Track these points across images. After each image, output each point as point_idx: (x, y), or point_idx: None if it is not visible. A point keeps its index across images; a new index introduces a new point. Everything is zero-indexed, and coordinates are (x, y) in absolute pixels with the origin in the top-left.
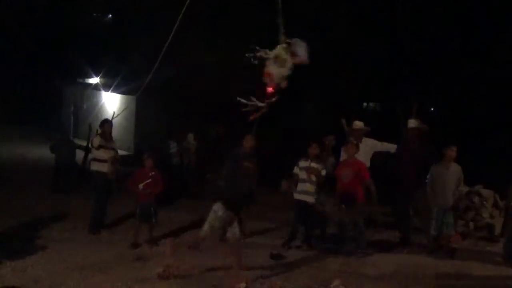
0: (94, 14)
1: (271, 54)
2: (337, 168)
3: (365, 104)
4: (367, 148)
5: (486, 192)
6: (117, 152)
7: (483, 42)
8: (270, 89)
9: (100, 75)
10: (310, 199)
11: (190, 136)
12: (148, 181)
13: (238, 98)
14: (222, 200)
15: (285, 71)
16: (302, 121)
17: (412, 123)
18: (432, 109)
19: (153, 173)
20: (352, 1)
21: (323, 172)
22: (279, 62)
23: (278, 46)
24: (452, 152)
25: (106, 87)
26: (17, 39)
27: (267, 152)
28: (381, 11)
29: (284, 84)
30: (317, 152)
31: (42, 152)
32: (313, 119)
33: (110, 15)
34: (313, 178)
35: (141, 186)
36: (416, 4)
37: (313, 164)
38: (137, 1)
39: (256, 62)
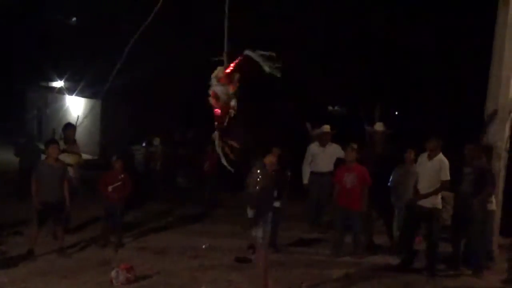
0: (59, 17)
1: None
2: (337, 172)
3: (330, 107)
4: (331, 153)
5: (447, 194)
6: (80, 156)
7: (449, 43)
8: (217, 111)
9: (64, 78)
10: (275, 203)
11: (157, 140)
12: (117, 184)
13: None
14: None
15: (228, 89)
16: (269, 125)
17: (379, 126)
18: (396, 113)
19: (122, 175)
20: (320, 8)
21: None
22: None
23: (218, 67)
24: (410, 154)
25: (71, 91)
26: None
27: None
28: (347, 16)
29: (233, 104)
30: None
31: (4, 155)
32: (280, 124)
33: (75, 18)
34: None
35: (110, 188)
36: (382, 6)
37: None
38: (102, 3)
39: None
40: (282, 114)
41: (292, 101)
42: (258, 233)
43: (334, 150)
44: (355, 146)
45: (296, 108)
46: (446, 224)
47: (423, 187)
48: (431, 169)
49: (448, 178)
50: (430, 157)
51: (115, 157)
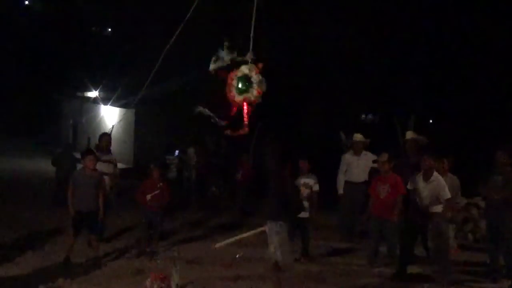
0: (93, 28)
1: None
2: (372, 184)
3: (363, 116)
4: (366, 162)
5: (484, 204)
6: (115, 165)
7: (481, 53)
8: (234, 109)
9: (99, 88)
10: (303, 214)
11: (191, 150)
12: (156, 192)
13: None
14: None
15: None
16: (301, 134)
17: (409, 134)
18: (431, 121)
19: (160, 184)
20: (352, 15)
21: (315, 187)
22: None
23: (243, 66)
24: (443, 164)
25: (105, 100)
26: (16, 53)
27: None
28: (380, 25)
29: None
30: (308, 167)
31: (40, 165)
32: (312, 132)
33: (110, 29)
34: (305, 193)
35: (149, 197)
36: (415, 18)
37: (304, 180)
38: (136, 14)
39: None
40: (313, 123)
41: (324, 109)
42: (270, 247)
43: (369, 159)
44: (385, 156)
45: (328, 117)
46: (484, 234)
47: (425, 207)
48: (431, 190)
49: (449, 195)
50: (425, 177)
51: (153, 166)
